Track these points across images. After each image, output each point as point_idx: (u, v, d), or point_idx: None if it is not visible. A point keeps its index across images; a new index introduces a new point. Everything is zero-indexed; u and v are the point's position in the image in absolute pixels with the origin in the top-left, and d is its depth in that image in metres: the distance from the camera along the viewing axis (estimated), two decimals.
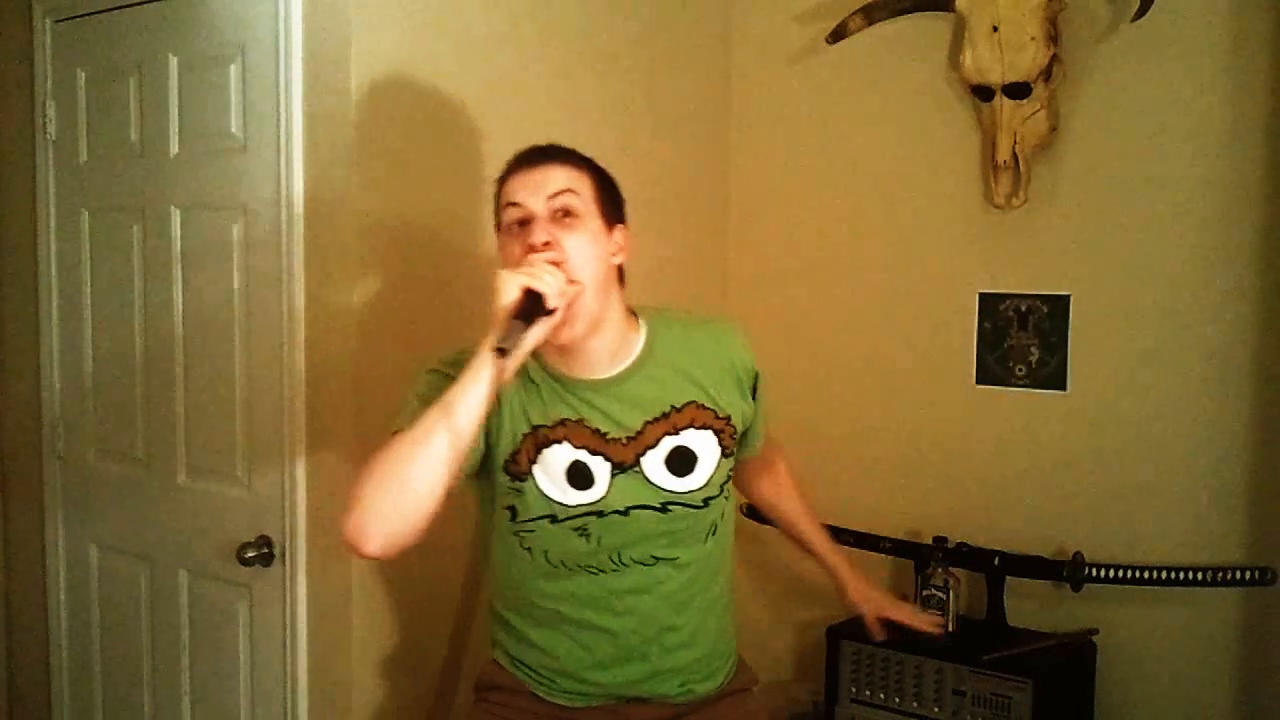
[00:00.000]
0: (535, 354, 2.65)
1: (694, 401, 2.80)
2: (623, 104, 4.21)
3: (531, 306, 2.45)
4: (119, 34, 4.03)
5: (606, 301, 2.71)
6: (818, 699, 4.30)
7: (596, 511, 2.75)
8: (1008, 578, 4.11)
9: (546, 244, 2.60)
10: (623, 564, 2.78)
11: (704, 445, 2.80)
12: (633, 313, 2.84)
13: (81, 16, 4.13)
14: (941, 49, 4.28)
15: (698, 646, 2.91)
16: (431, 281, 3.69)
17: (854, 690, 4.08)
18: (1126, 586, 3.94)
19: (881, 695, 4.02)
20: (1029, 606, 4.17)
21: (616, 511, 2.75)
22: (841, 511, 4.42)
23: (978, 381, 4.29)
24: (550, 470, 2.74)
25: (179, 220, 3.90)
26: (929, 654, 3.95)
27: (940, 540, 4.17)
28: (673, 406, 2.77)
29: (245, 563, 3.67)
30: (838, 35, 4.30)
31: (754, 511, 4.31)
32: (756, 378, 2.95)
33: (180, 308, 3.91)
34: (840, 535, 4.32)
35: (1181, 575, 3.84)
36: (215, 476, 3.87)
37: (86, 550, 4.31)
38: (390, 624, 3.68)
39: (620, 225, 2.79)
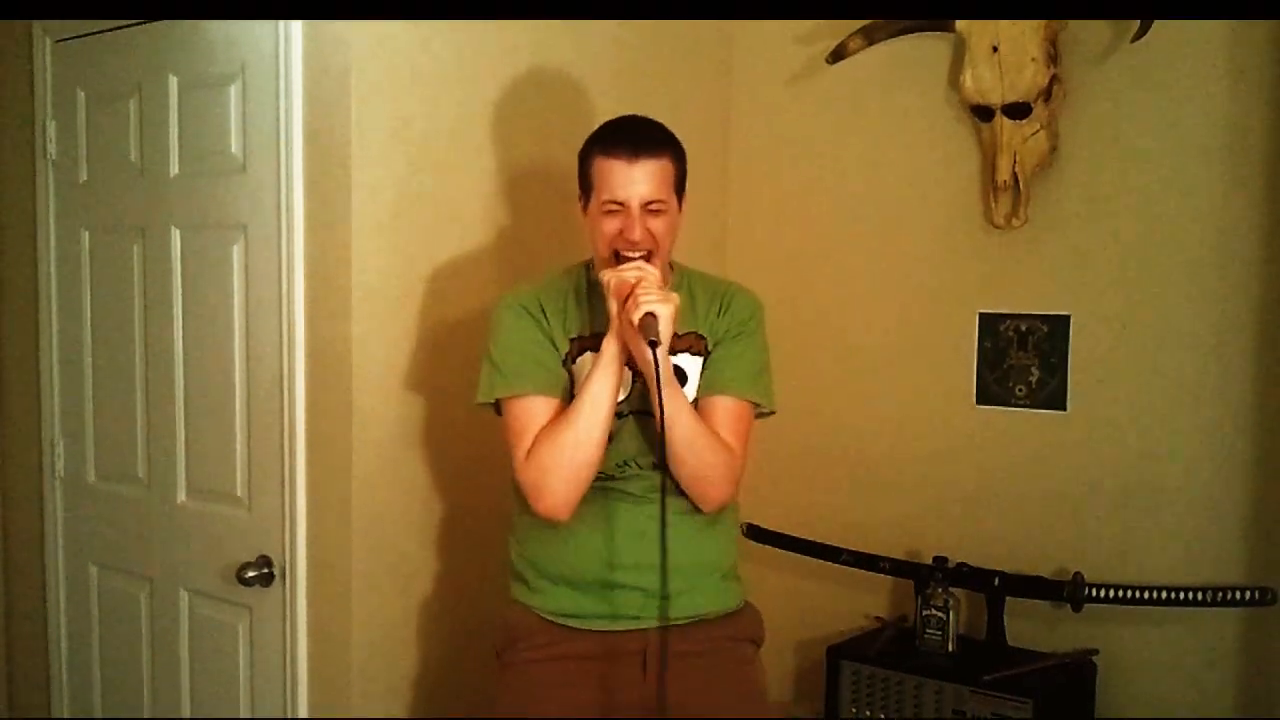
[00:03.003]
0: (591, 276, 3.21)
1: (694, 332, 3.19)
2: None
3: (650, 322, 2.86)
4: (119, 54, 4.04)
5: (668, 259, 3.18)
6: (818, 719, 4.29)
7: (618, 413, 3.07)
8: (1008, 598, 4.10)
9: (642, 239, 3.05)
10: (629, 469, 3.12)
11: (693, 368, 3.17)
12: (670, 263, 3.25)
13: (82, 37, 4.14)
14: (941, 69, 4.28)
15: (681, 553, 3.11)
16: (431, 302, 3.69)
17: (854, 710, 4.07)
18: (1127, 607, 3.94)
19: (882, 715, 4.01)
20: (1029, 626, 4.16)
21: (634, 413, 3.12)
22: (841, 531, 4.43)
23: (978, 401, 4.28)
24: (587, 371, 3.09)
25: (179, 240, 3.91)
26: (929, 674, 3.94)
27: (940, 560, 4.16)
28: (676, 333, 3.02)
29: (245, 583, 3.68)
30: (838, 55, 4.30)
31: (754, 532, 4.33)
32: (746, 321, 3.24)
33: (180, 327, 3.92)
34: (840, 555, 4.33)
35: (1182, 595, 3.84)
36: (215, 497, 3.88)
37: (86, 570, 4.32)
38: (391, 644, 3.68)
39: (684, 192, 3.19)
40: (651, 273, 2.95)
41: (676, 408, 2.96)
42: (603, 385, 2.98)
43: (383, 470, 3.61)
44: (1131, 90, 3.97)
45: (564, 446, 2.97)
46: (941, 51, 4.27)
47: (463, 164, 3.78)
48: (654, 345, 2.83)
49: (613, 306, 2.96)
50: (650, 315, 2.84)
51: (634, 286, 2.90)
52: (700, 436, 3.01)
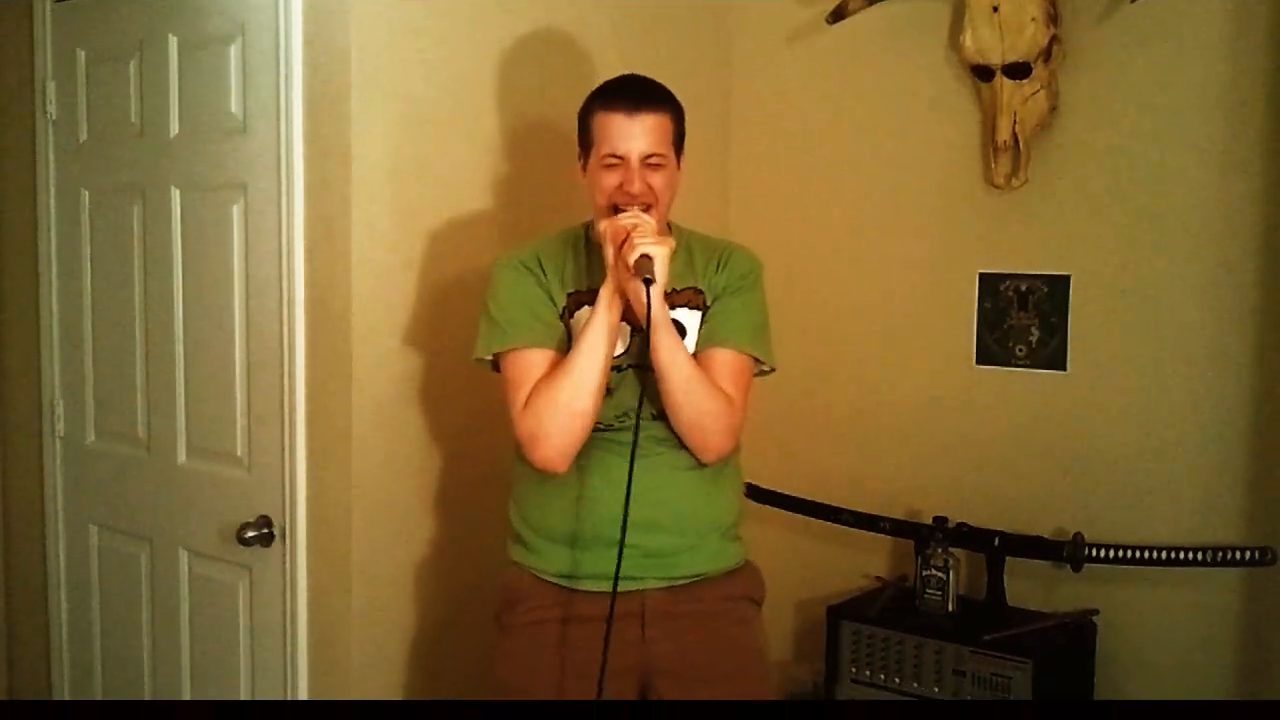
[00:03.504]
0: (590, 235, 3.24)
1: (692, 286, 3.20)
2: None
3: (645, 263, 2.88)
4: (119, 14, 4.03)
5: (666, 216, 3.18)
6: (818, 679, 4.30)
7: (616, 366, 3.09)
8: (1008, 558, 4.11)
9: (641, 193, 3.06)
10: (629, 420, 3.08)
11: (691, 322, 3.17)
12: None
13: None
14: (942, 29, 4.27)
15: (683, 507, 3.16)
16: (431, 262, 3.69)
17: (854, 670, 4.08)
18: (1127, 567, 3.94)
19: (882, 675, 4.02)
20: (1029, 587, 4.17)
21: (633, 366, 3.11)
22: (842, 491, 4.44)
23: (978, 362, 4.28)
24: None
25: (179, 200, 3.91)
26: (929, 634, 3.95)
27: (940, 520, 4.17)
28: (674, 289, 3.12)
29: (245, 543, 3.68)
30: (838, 15, 4.29)
31: (755, 491, 4.32)
32: (744, 276, 3.25)
33: (180, 288, 3.92)
34: (840, 515, 4.34)
35: (1182, 555, 3.84)
36: (215, 457, 3.88)
37: (86, 530, 4.33)
38: (390, 604, 3.69)
39: (682, 151, 3.21)
40: (648, 221, 2.97)
41: (673, 351, 2.98)
42: (599, 332, 2.98)
43: (383, 430, 3.61)
44: (1131, 50, 3.96)
45: (560, 393, 2.97)
46: (941, 12, 4.26)
47: (462, 123, 3.77)
48: (649, 284, 2.85)
49: (608, 252, 2.97)
50: (645, 257, 2.87)
51: (630, 232, 2.93)
52: (698, 383, 3.02)
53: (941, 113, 4.31)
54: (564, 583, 3.13)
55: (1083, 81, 4.04)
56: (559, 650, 3.11)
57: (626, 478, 2.95)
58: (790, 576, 4.57)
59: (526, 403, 3.03)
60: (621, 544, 2.94)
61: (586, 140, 3.15)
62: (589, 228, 3.26)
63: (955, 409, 4.35)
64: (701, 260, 3.25)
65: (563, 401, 2.97)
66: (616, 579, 2.94)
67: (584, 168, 3.18)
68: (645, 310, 2.88)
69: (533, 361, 3.07)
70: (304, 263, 3.57)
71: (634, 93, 3.12)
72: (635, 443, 2.97)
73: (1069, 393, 4.13)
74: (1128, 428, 4.03)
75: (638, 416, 3.02)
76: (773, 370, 3.27)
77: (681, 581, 3.12)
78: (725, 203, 4.79)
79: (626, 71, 3.23)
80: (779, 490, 4.47)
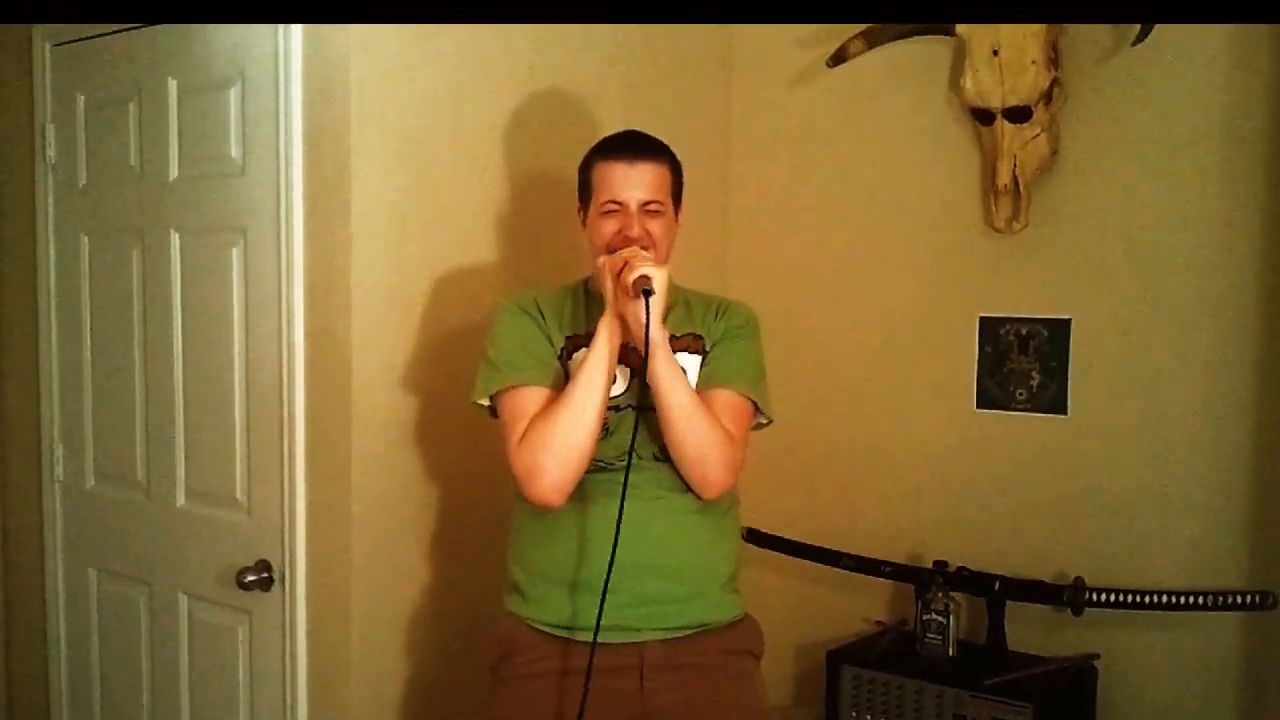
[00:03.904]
0: (589, 288, 3.28)
1: (691, 333, 3.23)
2: (621, 127, 4.21)
3: (644, 281, 2.91)
4: (118, 58, 4.04)
5: (665, 264, 3.12)
6: None
7: (615, 406, 3.09)
8: (1008, 602, 4.09)
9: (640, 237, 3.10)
10: (627, 457, 3.02)
11: (691, 366, 3.17)
12: None
13: (81, 41, 4.14)
14: (942, 73, 4.28)
15: (685, 554, 3.13)
16: (432, 308, 3.69)
17: (854, 715, 4.06)
18: (1127, 611, 3.93)
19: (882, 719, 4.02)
20: (1030, 631, 4.16)
21: (631, 406, 3.09)
22: (842, 535, 4.43)
23: (978, 405, 4.28)
24: None
25: (178, 244, 3.90)
26: (930, 678, 3.94)
27: (941, 564, 4.16)
28: (674, 335, 3.16)
29: (245, 587, 3.67)
30: (838, 59, 4.30)
31: (755, 536, 4.32)
32: (742, 326, 3.28)
33: (180, 331, 3.92)
34: (840, 559, 4.33)
35: (1183, 599, 3.83)
36: (215, 501, 3.87)
37: (85, 574, 4.31)
38: (389, 650, 3.68)
39: (680, 204, 3.27)
40: (645, 254, 3.01)
41: (673, 376, 2.99)
42: (597, 362, 2.99)
43: (382, 475, 3.61)
44: (1132, 93, 3.97)
45: (557, 425, 2.97)
46: (942, 55, 4.26)
47: (463, 168, 3.77)
48: (648, 295, 2.88)
49: (607, 284, 3.00)
50: (644, 277, 2.90)
51: (629, 260, 2.97)
52: (700, 413, 3.01)
53: (941, 156, 4.32)
54: (560, 633, 3.10)
55: (1084, 124, 4.05)
56: (554, 702, 3.08)
57: (630, 520, 2.95)
58: (790, 621, 4.56)
59: (523, 437, 3.01)
60: (605, 589, 2.94)
61: (586, 191, 3.20)
62: (588, 281, 3.30)
63: (955, 452, 4.34)
64: (699, 310, 3.28)
65: (560, 434, 2.96)
66: (598, 625, 2.94)
67: (584, 220, 3.23)
68: (644, 331, 2.90)
69: (530, 399, 3.07)
70: (303, 306, 3.57)
71: (634, 144, 3.18)
72: (626, 481, 2.96)
73: (1069, 436, 4.12)
74: (1128, 471, 4.03)
75: (629, 453, 3.00)
76: (769, 423, 3.28)
77: (681, 633, 3.09)
78: (724, 246, 4.79)
79: (626, 113, 3.27)
80: (779, 534, 4.46)
